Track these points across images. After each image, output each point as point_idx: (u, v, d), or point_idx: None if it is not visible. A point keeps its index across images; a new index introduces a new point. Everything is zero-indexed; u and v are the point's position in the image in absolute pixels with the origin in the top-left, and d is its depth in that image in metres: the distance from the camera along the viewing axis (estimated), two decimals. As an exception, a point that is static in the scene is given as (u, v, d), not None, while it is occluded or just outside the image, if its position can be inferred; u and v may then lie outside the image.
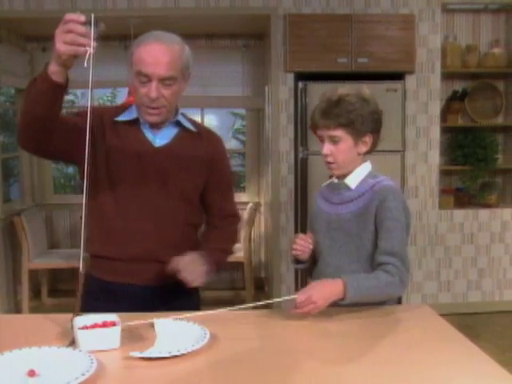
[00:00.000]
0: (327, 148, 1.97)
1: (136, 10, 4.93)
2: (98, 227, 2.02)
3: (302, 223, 4.94)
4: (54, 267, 5.31)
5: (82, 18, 1.57)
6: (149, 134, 2.03)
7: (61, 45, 1.57)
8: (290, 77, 4.98)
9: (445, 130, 5.34)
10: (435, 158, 5.16)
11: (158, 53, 1.89)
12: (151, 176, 1.99)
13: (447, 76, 5.33)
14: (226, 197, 2.20)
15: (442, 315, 1.87)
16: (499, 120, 5.52)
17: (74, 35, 1.56)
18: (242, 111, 6.44)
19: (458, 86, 5.45)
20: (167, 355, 1.46)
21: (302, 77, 4.96)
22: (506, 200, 5.49)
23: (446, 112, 5.35)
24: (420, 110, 5.05)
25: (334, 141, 1.95)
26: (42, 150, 1.91)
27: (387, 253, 1.90)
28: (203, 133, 2.15)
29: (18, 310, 5.22)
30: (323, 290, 1.80)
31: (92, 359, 1.40)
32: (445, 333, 1.73)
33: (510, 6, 5.26)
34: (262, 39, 5.76)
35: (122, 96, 6.02)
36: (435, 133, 5.14)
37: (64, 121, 1.87)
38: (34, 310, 5.22)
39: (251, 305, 1.89)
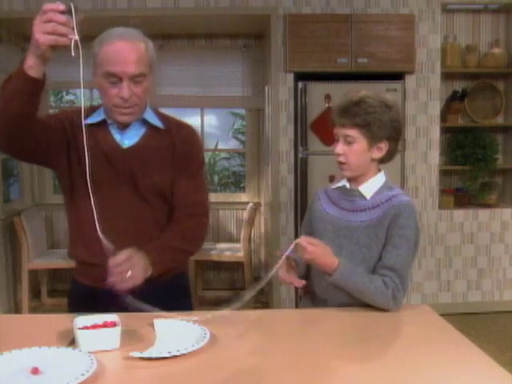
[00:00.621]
0: (340, 147, 1.95)
1: (136, 9, 4.92)
2: (75, 232, 2.01)
3: (301, 223, 4.94)
4: (54, 267, 5.30)
5: (62, 6, 1.53)
6: (117, 135, 1.99)
7: (40, 35, 1.52)
8: (290, 77, 4.98)
9: (445, 130, 5.35)
10: (435, 157, 5.16)
11: (125, 51, 1.85)
12: (122, 178, 1.95)
13: (447, 76, 5.33)
14: (190, 185, 2.03)
15: (442, 315, 1.87)
16: (499, 120, 5.52)
17: (55, 24, 1.51)
18: (242, 111, 6.43)
19: (458, 86, 5.45)
20: (167, 355, 1.46)
21: (301, 77, 4.96)
22: (506, 200, 5.50)
23: (445, 112, 5.35)
24: (420, 109, 5.06)
25: (348, 141, 1.93)
26: (18, 152, 1.86)
27: (388, 268, 1.90)
28: (172, 128, 2.05)
29: (17, 309, 5.22)
30: (324, 254, 1.84)
31: (92, 359, 1.40)
32: (445, 333, 1.73)
33: (510, 6, 5.26)
34: (261, 39, 5.76)
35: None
36: (435, 133, 5.14)
37: (40, 121, 1.81)
38: (33, 310, 5.22)
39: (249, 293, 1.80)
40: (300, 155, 4.95)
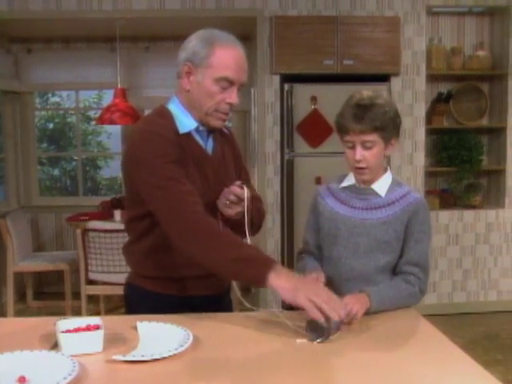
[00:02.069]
0: (360, 154, 1.91)
1: (121, 11, 4.91)
2: (163, 251, 1.90)
3: (288, 225, 4.95)
4: (40, 270, 5.27)
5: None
6: (201, 143, 1.94)
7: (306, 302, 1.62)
8: (276, 78, 4.99)
9: (430, 132, 5.38)
10: (420, 159, 5.19)
11: (241, 59, 1.87)
12: (212, 184, 1.92)
13: (432, 78, 5.36)
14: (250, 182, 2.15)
15: (428, 316, 1.89)
16: (484, 122, 5.56)
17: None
18: (229, 113, 6.42)
19: (443, 88, 5.48)
20: (150, 358, 1.46)
21: (287, 78, 4.97)
22: (491, 201, 5.53)
23: (431, 114, 5.38)
24: (405, 111, 5.08)
25: (367, 146, 1.90)
26: None
27: (413, 263, 1.95)
28: (227, 129, 2.11)
29: (2, 313, 5.18)
30: (361, 304, 1.82)
31: (74, 363, 1.39)
32: (427, 334, 1.74)
33: (494, 9, 5.30)
34: (247, 41, 5.75)
35: (107, 98, 6.00)
36: (420, 134, 5.17)
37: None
38: (19, 312, 5.18)
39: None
40: (286, 157, 4.96)
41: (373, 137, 1.89)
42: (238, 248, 1.74)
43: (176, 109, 1.93)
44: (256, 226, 2.07)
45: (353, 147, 1.93)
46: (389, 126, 1.91)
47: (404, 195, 1.98)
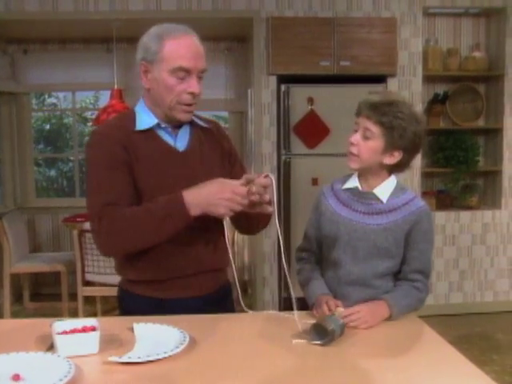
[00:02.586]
0: (356, 138, 1.91)
1: (118, 12, 4.91)
2: (142, 252, 1.87)
3: (284, 225, 4.94)
4: (36, 271, 5.26)
5: (254, 189, 1.73)
6: (169, 139, 1.91)
7: (225, 211, 1.73)
8: (273, 79, 4.99)
9: (426, 133, 5.33)
10: (417, 160, 5.18)
11: (194, 46, 1.84)
12: (183, 183, 1.82)
13: (429, 79, 5.37)
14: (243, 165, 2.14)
15: (424, 316, 1.89)
16: (480, 123, 5.57)
17: (239, 206, 1.73)
18: (225, 114, 6.43)
19: (440, 89, 5.49)
20: (146, 360, 1.46)
21: (284, 80, 4.97)
22: (487, 202, 5.55)
23: (427, 115, 5.39)
24: (402, 112, 5.07)
25: (366, 135, 1.89)
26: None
27: (419, 271, 1.97)
28: (210, 125, 2.05)
29: (-1, 314, 5.18)
30: (373, 314, 1.83)
31: (70, 364, 1.39)
32: (424, 335, 1.75)
33: (490, 10, 5.31)
34: (244, 42, 5.77)
35: (103, 99, 6.00)
36: (417, 135, 5.16)
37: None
38: (15, 314, 5.18)
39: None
40: (283, 158, 4.96)
41: (375, 128, 1.88)
42: (149, 214, 1.77)
43: (139, 108, 1.94)
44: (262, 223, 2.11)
45: (356, 131, 1.93)
46: (396, 131, 1.86)
47: (407, 202, 1.95)
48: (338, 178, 2.09)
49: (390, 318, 1.84)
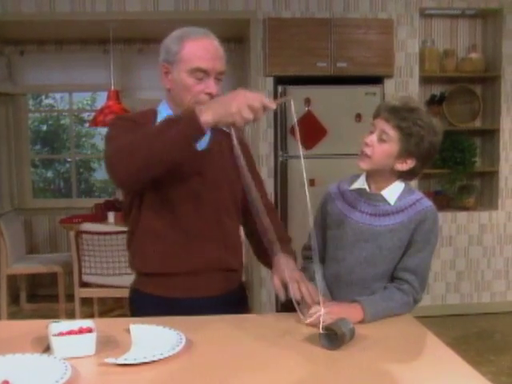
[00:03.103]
0: (371, 139, 1.89)
1: (115, 13, 4.91)
2: (152, 242, 1.92)
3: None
4: (33, 272, 5.26)
5: (274, 106, 1.66)
6: None
7: (236, 109, 1.60)
8: (270, 80, 4.99)
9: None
10: (414, 161, 5.19)
11: (213, 47, 1.86)
12: (196, 181, 1.90)
13: (425, 80, 5.38)
14: (261, 184, 2.13)
15: (421, 317, 1.89)
16: (477, 124, 5.58)
17: (252, 110, 1.62)
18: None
19: (436, 90, 5.50)
20: (142, 361, 1.45)
21: (281, 81, 4.97)
22: (484, 203, 5.55)
23: (424, 116, 5.39)
24: (399, 113, 5.08)
25: (382, 138, 1.87)
26: (138, 186, 1.83)
27: (409, 270, 1.92)
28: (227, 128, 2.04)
29: (-4, 315, 5.17)
30: (342, 310, 1.80)
31: (66, 366, 1.39)
32: (420, 336, 1.75)
33: (487, 11, 5.32)
34: (241, 43, 5.77)
35: (101, 100, 6.00)
36: (414, 136, 5.18)
37: None
38: (12, 315, 5.17)
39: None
40: (280, 159, 4.97)
41: (392, 132, 1.85)
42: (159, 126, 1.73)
43: (161, 108, 1.98)
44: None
45: (371, 132, 1.91)
46: (413, 138, 1.84)
47: (414, 203, 1.94)
48: (344, 179, 2.08)
49: (362, 322, 1.81)
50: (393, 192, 1.95)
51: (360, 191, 1.99)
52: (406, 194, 1.96)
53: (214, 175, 1.94)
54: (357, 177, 2.03)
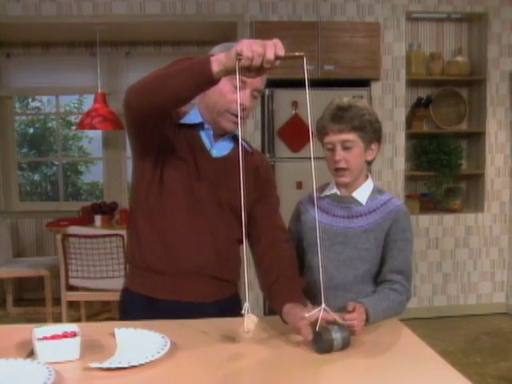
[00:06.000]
0: (339, 154, 1.94)
1: (101, 16, 4.90)
2: (148, 237, 1.93)
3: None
4: (20, 276, 5.22)
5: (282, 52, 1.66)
6: (207, 143, 1.95)
7: (246, 47, 1.56)
8: (257, 84, 4.99)
9: (410, 137, 5.42)
10: (400, 163, 5.23)
11: None
12: (204, 186, 1.90)
13: (412, 83, 5.41)
14: (276, 210, 2.13)
15: (408, 319, 1.91)
16: (463, 126, 5.61)
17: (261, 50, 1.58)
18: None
19: (423, 93, 5.54)
20: (127, 365, 1.45)
21: (268, 83, 4.93)
22: (470, 205, 5.59)
23: (411, 119, 5.43)
24: (385, 116, 5.11)
25: (346, 147, 1.93)
26: (144, 111, 1.79)
27: (397, 271, 1.96)
28: (254, 152, 2.07)
29: (-18, 319, 5.14)
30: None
31: (50, 371, 1.38)
32: (405, 339, 1.75)
33: (472, 15, 5.37)
34: (229, 46, 5.76)
35: (88, 103, 5.98)
36: (400, 139, 5.21)
37: None
38: (-2, 319, 5.14)
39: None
40: (267, 162, 4.96)
41: (352, 136, 1.93)
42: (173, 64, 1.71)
43: (190, 108, 1.98)
44: None
45: (333, 149, 1.96)
46: (367, 127, 1.94)
47: (385, 203, 2.00)
48: (312, 191, 2.10)
49: (366, 323, 1.82)
50: (363, 192, 2.02)
51: (332, 197, 2.05)
52: (376, 194, 2.03)
53: (219, 183, 1.93)
54: (326, 185, 2.09)
